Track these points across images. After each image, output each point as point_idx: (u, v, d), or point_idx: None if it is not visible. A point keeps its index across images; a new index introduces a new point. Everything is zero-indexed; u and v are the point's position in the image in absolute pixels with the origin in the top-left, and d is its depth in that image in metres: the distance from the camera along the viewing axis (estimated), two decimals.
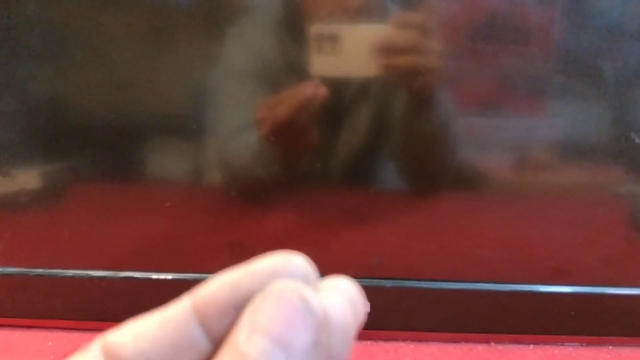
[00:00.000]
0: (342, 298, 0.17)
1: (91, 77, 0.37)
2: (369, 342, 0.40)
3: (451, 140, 0.38)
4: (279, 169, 0.38)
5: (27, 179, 0.39)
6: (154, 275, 0.40)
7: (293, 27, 0.36)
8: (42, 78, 0.38)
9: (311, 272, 0.18)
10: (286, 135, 0.37)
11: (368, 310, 0.19)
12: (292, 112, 0.36)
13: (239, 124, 0.38)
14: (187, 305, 0.18)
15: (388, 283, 0.39)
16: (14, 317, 0.42)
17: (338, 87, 0.36)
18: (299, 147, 0.38)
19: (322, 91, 0.36)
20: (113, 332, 0.18)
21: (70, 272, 0.40)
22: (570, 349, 0.40)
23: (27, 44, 0.37)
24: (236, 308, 0.17)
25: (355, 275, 0.41)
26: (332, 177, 0.38)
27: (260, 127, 0.37)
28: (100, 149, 0.38)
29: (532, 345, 0.40)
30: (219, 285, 0.18)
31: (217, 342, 0.18)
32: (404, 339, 0.40)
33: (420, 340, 0.40)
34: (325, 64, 0.36)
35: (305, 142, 0.38)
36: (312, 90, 0.36)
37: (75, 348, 0.41)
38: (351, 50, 0.35)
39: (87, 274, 0.40)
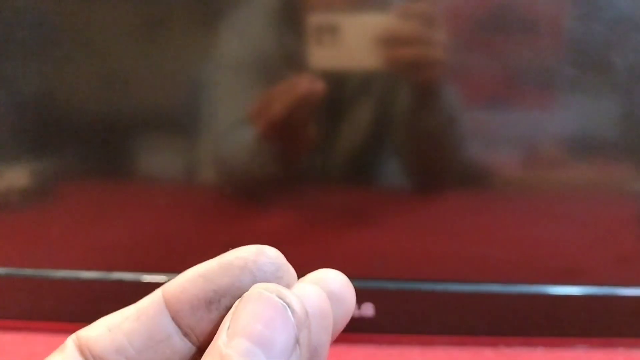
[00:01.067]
0: (317, 288, 0.18)
1: (81, 72, 0.37)
2: (372, 347, 0.39)
3: (457, 135, 0.37)
4: (277, 165, 0.38)
5: (15, 176, 0.39)
6: (147, 277, 0.39)
7: (291, 18, 0.36)
8: (31, 73, 0.37)
9: (283, 264, 0.18)
10: (282, 133, 0.37)
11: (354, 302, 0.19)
12: (287, 110, 0.36)
13: (235, 119, 0.38)
14: (159, 298, 0.18)
15: (392, 285, 0.38)
16: (2, 318, 0.41)
17: (338, 80, 0.36)
18: (296, 144, 0.37)
19: (319, 87, 0.36)
20: (86, 327, 0.18)
21: (60, 273, 0.40)
22: (581, 351, 0.39)
23: (15, 37, 0.36)
24: (207, 302, 0.18)
25: (358, 276, 0.41)
26: (332, 174, 0.38)
27: (255, 124, 0.37)
28: (91, 145, 0.38)
29: (541, 348, 0.39)
30: (189, 279, 0.18)
31: (191, 338, 0.18)
32: (409, 343, 0.40)
33: (425, 344, 0.40)
34: (325, 56, 0.35)
35: (302, 140, 0.37)
36: (307, 87, 0.36)
37: None
38: (352, 41, 0.35)
39: (78, 274, 0.39)
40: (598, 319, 0.38)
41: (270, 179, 0.38)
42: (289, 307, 0.16)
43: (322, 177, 0.38)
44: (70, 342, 0.18)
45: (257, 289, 0.17)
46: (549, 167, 0.37)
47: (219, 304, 0.18)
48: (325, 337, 0.18)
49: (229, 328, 0.16)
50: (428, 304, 0.39)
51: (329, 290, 0.18)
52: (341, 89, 0.36)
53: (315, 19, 0.35)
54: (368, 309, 0.38)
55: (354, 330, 0.38)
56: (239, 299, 0.17)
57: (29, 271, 0.40)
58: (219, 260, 0.18)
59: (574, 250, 0.38)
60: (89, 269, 0.40)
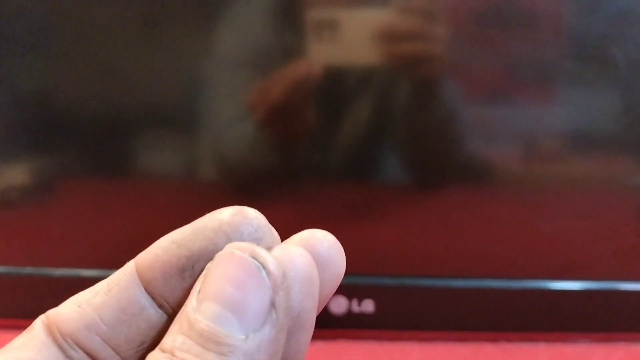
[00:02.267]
0: (302, 249, 0.16)
1: (80, 69, 0.37)
2: (372, 343, 0.39)
3: (456, 130, 0.37)
4: (276, 161, 0.37)
5: (15, 174, 0.39)
6: None
7: (290, 13, 0.36)
8: (30, 70, 0.37)
9: (263, 225, 0.17)
10: (280, 119, 0.37)
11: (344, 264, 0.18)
12: (285, 94, 0.36)
13: (234, 114, 0.37)
14: (131, 269, 0.17)
15: (392, 281, 0.38)
16: (1, 317, 0.41)
17: (338, 75, 0.36)
18: (295, 132, 0.37)
19: (316, 71, 0.35)
20: (56, 307, 0.17)
21: (60, 272, 0.39)
22: (582, 346, 0.39)
23: (14, 35, 0.36)
24: (180, 269, 0.16)
25: (358, 272, 0.41)
26: (332, 170, 0.38)
27: (254, 111, 0.37)
28: (90, 143, 0.38)
29: (542, 343, 0.39)
30: (162, 246, 0.17)
31: (166, 309, 0.17)
32: (410, 339, 0.40)
33: (426, 340, 0.40)
34: (324, 52, 0.35)
35: (300, 127, 0.37)
36: (304, 70, 0.35)
37: None
38: (351, 36, 0.35)
39: (78, 273, 0.39)
40: (599, 313, 0.38)
41: (269, 175, 0.38)
42: (263, 267, 0.15)
43: (322, 172, 0.38)
44: (39, 322, 0.17)
45: (229, 248, 0.16)
46: (550, 161, 0.37)
47: (193, 271, 0.16)
48: (310, 303, 0.16)
49: (199, 292, 0.15)
50: (428, 299, 0.39)
51: (315, 252, 0.17)
52: (341, 84, 0.36)
53: (314, 14, 0.35)
54: (368, 305, 0.38)
55: (354, 327, 0.38)
56: (211, 261, 0.16)
57: (28, 269, 0.40)
58: (193, 224, 0.17)
59: (574, 245, 0.38)
60: (88, 267, 0.39)
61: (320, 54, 0.35)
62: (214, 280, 0.15)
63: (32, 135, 0.38)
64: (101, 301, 0.17)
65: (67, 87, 0.38)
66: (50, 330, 0.17)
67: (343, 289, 0.38)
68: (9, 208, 0.40)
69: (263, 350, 0.15)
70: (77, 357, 0.16)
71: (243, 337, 0.15)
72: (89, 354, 0.16)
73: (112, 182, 0.39)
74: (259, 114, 0.36)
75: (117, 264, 0.43)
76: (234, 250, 0.15)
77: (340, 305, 0.38)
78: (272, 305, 0.15)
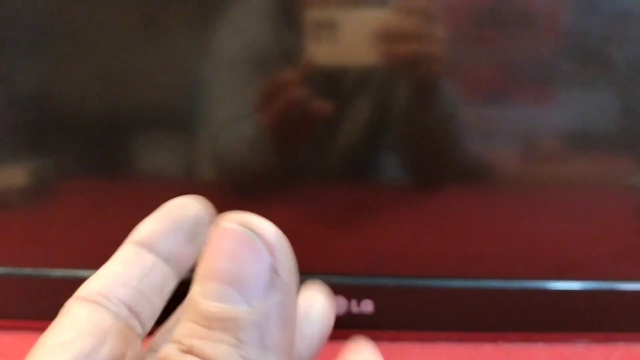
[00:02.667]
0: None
1: (79, 69, 0.37)
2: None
3: (456, 131, 0.37)
4: (276, 161, 0.37)
5: (13, 175, 0.39)
6: None
7: (289, 14, 0.35)
8: (28, 70, 0.37)
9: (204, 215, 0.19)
10: (280, 121, 0.36)
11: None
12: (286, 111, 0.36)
13: (233, 114, 0.37)
14: (129, 245, 0.20)
15: (391, 281, 0.38)
16: (0, 318, 0.41)
17: (337, 76, 0.36)
18: (294, 132, 0.37)
19: (327, 108, 0.36)
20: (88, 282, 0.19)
21: (59, 272, 0.39)
22: (581, 346, 0.39)
23: (12, 35, 0.36)
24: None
25: (357, 273, 0.41)
26: (331, 171, 0.38)
27: (259, 110, 0.37)
28: (90, 143, 0.38)
29: (541, 343, 0.39)
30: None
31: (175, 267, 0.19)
32: (409, 339, 0.40)
33: (425, 340, 0.40)
34: (322, 52, 0.35)
35: (299, 127, 0.37)
36: (318, 108, 0.36)
37: None
38: (350, 37, 0.34)
39: (77, 273, 0.39)
40: (598, 313, 0.38)
41: (269, 175, 0.38)
42: (255, 233, 0.15)
43: (320, 173, 0.38)
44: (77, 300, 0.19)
45: (219, 223, 0.16)
46: (548, 161, 0.37)
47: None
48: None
49: (198, 273, 0.15)
50: (427, 300, 0.39)
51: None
52: (339, 85, 0.36)
53: (312, 14, 0.34)
54: (367, 306, 0.38)
55: (353, 327, 0.38)
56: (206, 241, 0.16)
57: (27, 270, 0.39)
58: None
59: (573, 245, 0.38)
60: (88, 267, 0.39)
61: (319, 55, 0.35)
62: (210, 258, 0.15)
63: (31, 136, 0.38)
64: (121, 268, 0.19)
65: (66, 87, 0.37)
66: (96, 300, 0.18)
67: (342, 290, 0.38)
68: (7, 209, 0.39)
69: (274, 317, 0.14)
70: (120, 311, 0.18)
71: (248, 308, 0.14)
72: (128, 308, 0.18)
73: (111, 182, 0.38)
74: (263, 119, 0.36)
75: None
76: (224, 224, 0.15)
77: (339, 306, 0.38)
78: (274, 270, 0.15)
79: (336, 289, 0.38)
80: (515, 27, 0.35)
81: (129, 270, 0.19)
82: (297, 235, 0.39)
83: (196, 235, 0.19)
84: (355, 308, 0.38)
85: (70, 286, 0.40)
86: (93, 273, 0.40)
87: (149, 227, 0.20)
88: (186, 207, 0.20)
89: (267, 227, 0.15)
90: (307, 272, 0.39)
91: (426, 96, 0.36)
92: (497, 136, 0.37)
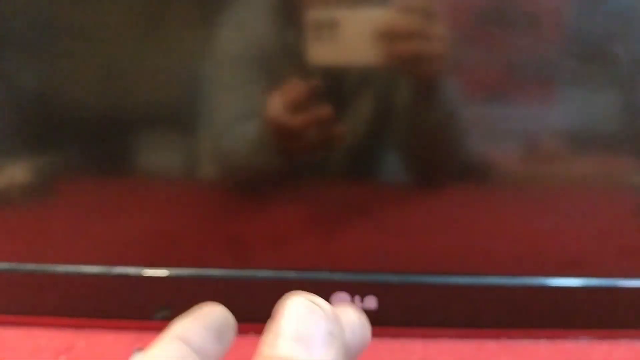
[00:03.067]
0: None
1: (81, 66, 0.37)
2: (375, 340, 0.39)
3: (457, 129, 0.37)
4: (279, 160, 0.37)
5: (16, 172, 0.39)
6: (149, 271, 0.39)
7: (290, 13, 0.35)
8: (30, 67, 0.37)
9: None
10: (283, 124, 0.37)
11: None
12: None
13: (236, 113, 0.37)
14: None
15: (394, 278, 0.38)
16: (4, 314, 0.41)
17: (338, 75, 0.35)
18: (296, 133, 0.37)
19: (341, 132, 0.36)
20: None
21: (62, 268, 0.39)
22: (584, 343, 0.39)
23: (14, 33, 0.36)
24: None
25: (361, 270, 0.41)
26: (334, 169, 0.38)
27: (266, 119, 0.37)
28: (92, 141, 0.38)
29: (544, 340, 0.39)
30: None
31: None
32: (412, 336, 0.40)
33: (428, 337, 0.40)
34: (324, 51, 0.35)
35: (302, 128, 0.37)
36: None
37: (67, 346, 0.41)
38: (351, 36, 0.34)
39: (80, 269, 0.39)
40: (601, 310, 0.38)
41: (272, 174, 0.38)
42: (317, 304, 0.19)
43: (324, 171, 0.38)
44: None
45: (289, 298, 0.20)
46: (551, 160, 0.37)
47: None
48: (359, 342, 0.23)
49: (269, 335, 0.19)
50: (431, 296, 0.39)
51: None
52: (341, 85, 0.36)
53: (313, 13, 0.34)
54: (371, 302, 0.38)
55: None
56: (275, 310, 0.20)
57: (31, 266, 0.40)
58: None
59: (576, 243, 0.38)
60: (90, 263, 0.39)
61: (320, 54, 0.35)
62: (281, 322, 0.19)
63: (33, 134, 0.38)
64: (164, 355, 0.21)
65: (68, 85, 0.37)
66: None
67: (346, 286, 0.38)
68: (10, 205, 0.39)
69: None
70: None
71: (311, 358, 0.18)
72: None
73: (113, 179, 0.38)
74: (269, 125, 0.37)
75: (119, 261, 0.43)
76: (293, 297, 0.20)
77: (342, 302, 0.38)
78: (331, 334, 0.19)
79: (340, 286, 0.38)
80: (516, 25, 0.35)
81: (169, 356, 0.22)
82: (302, 232, 0.39)
83: (223, 334, 0.23)
84: (358, 304, 0.38)
85: (74, 281, 0.41)
86: (94, 269, 0.41)
87: (184, 324, 0.23)
88: (215, 311, 0.24)
89: (326, 304, 0.20)
90: (311, 268, 0.40)
91: (428, 95, 0.36)
92: (499, 135, 0.37)
